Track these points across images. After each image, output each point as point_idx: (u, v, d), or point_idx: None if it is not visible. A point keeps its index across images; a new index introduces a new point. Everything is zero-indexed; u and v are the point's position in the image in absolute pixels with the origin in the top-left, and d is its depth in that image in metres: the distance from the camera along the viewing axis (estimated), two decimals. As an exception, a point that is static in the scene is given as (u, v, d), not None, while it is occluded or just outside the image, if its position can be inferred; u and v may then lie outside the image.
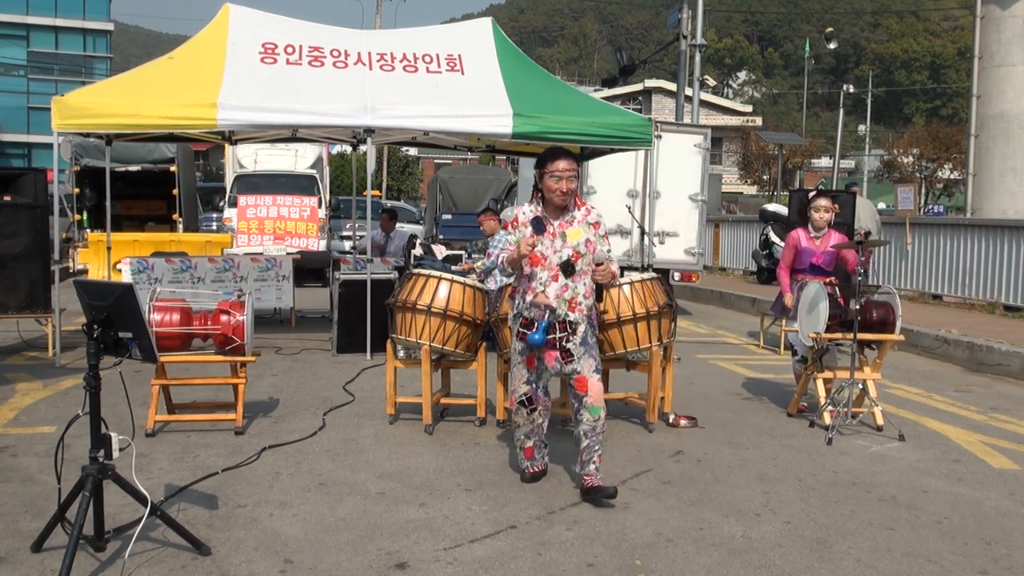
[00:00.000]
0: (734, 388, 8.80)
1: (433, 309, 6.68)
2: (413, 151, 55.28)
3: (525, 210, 5.41)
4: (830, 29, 44.60)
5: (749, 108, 66.56)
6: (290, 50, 10.12)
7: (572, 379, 5.35)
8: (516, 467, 5.77)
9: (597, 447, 5.32)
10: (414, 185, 57.20)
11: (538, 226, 5.28)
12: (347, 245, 18.75)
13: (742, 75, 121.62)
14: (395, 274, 10.52)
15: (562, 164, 5.21)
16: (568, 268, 5.22)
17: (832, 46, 44.84)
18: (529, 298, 5.31)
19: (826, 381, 7.34)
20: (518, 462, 5.68)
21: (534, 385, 5.44)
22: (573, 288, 5.26)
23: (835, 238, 7.61)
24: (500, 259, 5.42)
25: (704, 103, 32.65)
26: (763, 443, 6.69)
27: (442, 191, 23.41)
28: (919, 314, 12.97)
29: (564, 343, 5.29)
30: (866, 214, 12.43)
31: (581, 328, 5.31)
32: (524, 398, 5.44)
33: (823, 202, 7.63)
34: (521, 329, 5.35)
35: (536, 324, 5.24)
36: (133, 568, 4.12)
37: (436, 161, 57.80)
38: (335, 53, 10.21)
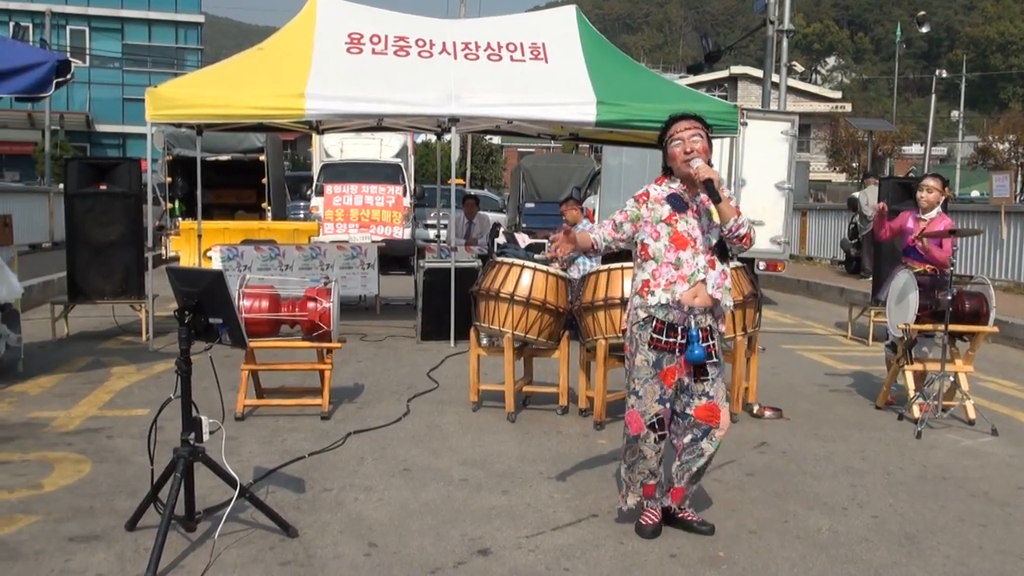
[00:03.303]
0: (820, 379, 8.66)
1: (516, 297, 6.69)
2: (497, 140, 55.51)
3: (655, 187, 4.56)
4: (922, 12, 43.35)
5: (838, 94, 65.19)
6: (376, 40, 10.20)
7: (696, 405, 4.49)
8: (602, 468, 5.74)
9: (694, 486, 4.65)
10: (497, 173, 57.44)
11: (677, 203, 4.45)
12: (431, 233, 18.90)
13: (831, 60, 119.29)
14: (478, 262, 10.57)
15: (681, 124, 4.44)
16: (723, 250, 4.48)
17: (924, 30, 43.58)
18: (681, 290, 4.37)
19: (916, 373, 7.18)
20: (627, 502, 4.65)
21: (667, 404, 4.50)
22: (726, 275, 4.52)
23: (943, 224, 7.32)
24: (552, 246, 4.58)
25: (791, 89, 32.13)
26: (850, 435, 6.58)
27: (525, 180, 23.42)
28: (1014, 305, 12.60)
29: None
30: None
31: (717, 337, 4.55)
32: (655, 420, 4.47)
33: (930, 181, 7.38)
34: (655, 336, 4.41)
35: (687, 334, 4.37)
36: (223, 548, 4.23)
37: (519, 150, 57.84)
38: (420, 43, 10.27)
